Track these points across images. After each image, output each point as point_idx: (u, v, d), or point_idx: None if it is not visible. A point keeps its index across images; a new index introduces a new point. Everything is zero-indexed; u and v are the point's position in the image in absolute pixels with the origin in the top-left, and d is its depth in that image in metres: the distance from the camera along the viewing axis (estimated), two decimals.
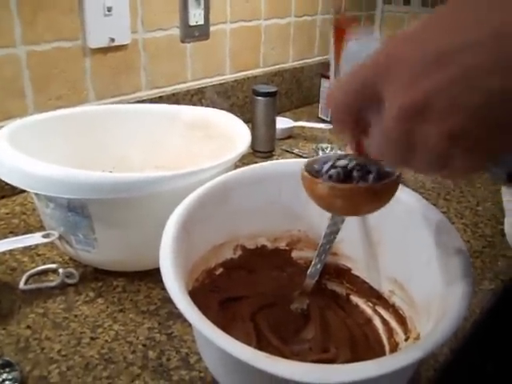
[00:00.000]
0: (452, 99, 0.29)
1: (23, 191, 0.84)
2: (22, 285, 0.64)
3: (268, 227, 0.63)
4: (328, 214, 0.55)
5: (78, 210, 0.59)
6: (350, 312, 0.60)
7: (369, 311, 0.59)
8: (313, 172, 0.46)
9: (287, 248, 0.64)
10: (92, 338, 0.57)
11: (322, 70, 1.38)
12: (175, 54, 1.09)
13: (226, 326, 0.52)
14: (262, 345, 0.53)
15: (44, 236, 0.63)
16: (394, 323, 0.55)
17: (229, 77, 1.24)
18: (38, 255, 0.71)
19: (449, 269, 0.46)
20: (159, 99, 1.06)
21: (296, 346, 0.54)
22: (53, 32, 0.87)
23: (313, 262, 0.58)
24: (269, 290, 0.61)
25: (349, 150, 0.45)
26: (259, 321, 0.56)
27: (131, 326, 0.59)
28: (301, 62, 1.45)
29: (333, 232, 0.56)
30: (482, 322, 0.64)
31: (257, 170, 0.61)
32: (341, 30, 0.59)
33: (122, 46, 0.98)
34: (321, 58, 1.52)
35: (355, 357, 0.53)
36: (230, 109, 1.20)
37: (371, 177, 0.42)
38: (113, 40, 0.94)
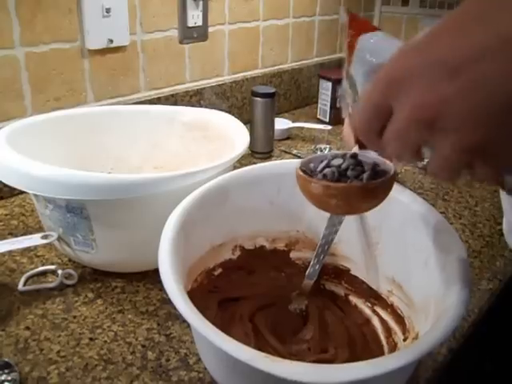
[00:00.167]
0: (466, 109, 0.29)
1: (22, 192, 0.84)
2: (20, 286, 0.64)
3: (266, 228, 0.63)
4: (326, 215, 0.55)
5: (77, 211, 0.59)
6: (349, 312, 0.60)
7: (367, 311, 0.59)
8: (308, 171, 0.46)
9: (286, 248, 0.64)
10: (91, 339, 0.57)
11: (321, 71, 1.38)
12: (174, 55, 1.09)
13: (224, 326, 0.52)
14: (260, 345, 0.53)
15: (43, 237, 0.63)
16: (392, 323, 0.56)
17: (227, 78, 1.24)
18: (37, 256, 0.71)
19: (447, 269, 0.46)
20: (158, 100, 1.06)
21: (294, 347, 0.54)
22: (51, 33, 0.87)
23: (311, 263, 0.58)
24: (267, 291, 0.61)
25: (347, 149, 0.45)
26: (258, 321, 0.56)
27: (130, 326, 0.59)
28: (299, 63, 1.45)
29: (331, 233, 0.56)
30: (480, 321, 0.64)
31: (255, 171, 0.61)
32: (355, 27, 0.59)
33: (121, 47, 0.98)
34: (319, 59, 1.52)
35: (354, 357, 0.53)
36: (229, 110, 1.21)
37: (365, 175, 0.43)
38: (111, 41, 0.95)
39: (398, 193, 0.52)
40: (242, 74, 1.28)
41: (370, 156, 0.45)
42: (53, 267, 0.67)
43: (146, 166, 0.84)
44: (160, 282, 0.42)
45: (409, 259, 0.54)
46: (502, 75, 0.27)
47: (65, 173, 0.56)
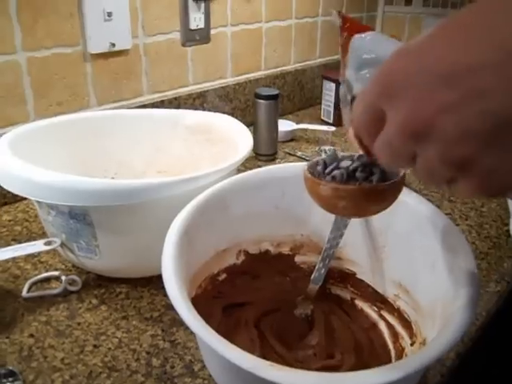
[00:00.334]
0: (456, 123, 0.28)
1: (25, 198, 0.83)
2: (24, 293, 0.64)
3: (271, 232, 0.62)
4: (331, 219, 0.54)
5: (80, 218, 0.59)
6: (355, 317, 0.59)
7: (374, 316, 0.59)
8: (315, 173, 0.45)
9: (290, 253, 0.64)
10: (95, 346, 0.56)
11: (324, 71, 1.37)
12: (176, 58, 1.09)
13: (229, 332, 0.52)
14: (265, 351, 0.52)
15: (46, 243, 0.62)
16: (399, 328, 0.55)
17: (230, 80, 1.24)
18: (41, 262, 0.71)
19: (454, 272, 0.45)
20: (161, 104, 1.06)
21: (300, 352, 0.53)
22: (53, 38, 0.87)
23: (316, 267, 0.58)
24: (272, 296, 0.61)
25: (352, 151, 0.44)
26: (263, 327, 0.56)
27: (134, 333, 0.58)
28: (302, 64, 1.45)
29: (336, 236, 0.56)
30: (488, 325, 0.63)
31: (259, 175, 0.61)
32: (348, 27, 0.58)
33: (123, 50, 0.98)
34: (322, 59, 1.51)
35: (360, 362, 0.52)
36: (232, 112, 1.20)
37: (375, 177, 0.42)
38: (113, 45, 0.94)
39: (403, 195, 0.51)
40: (245, 76, 1.28)
41: None
42: (56, 273, 0.67)
43: (149, 170, 0.84)
44: (164, 287, 0.42)
45: (415, 262, 0.53)
46: (502, 89, 0.26)
47: (67, 179, 0.56)
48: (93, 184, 0.56)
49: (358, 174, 0.42)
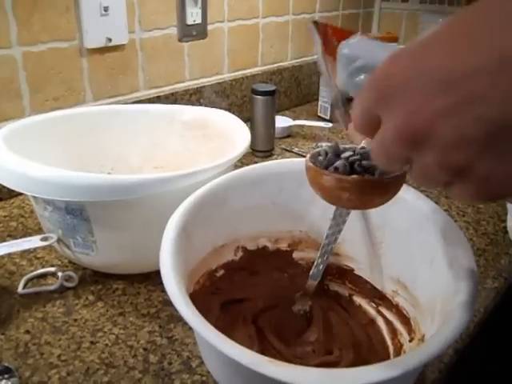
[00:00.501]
0: (452, 129, 0.27)
1: (21, 193, 0.83)
2: (20, 289, 0.63)
3: (269, 228, 0.62)
4: (329, 215, 0.54)
5: (76, 213, 0.58)
6: (353, 313, 0.59)
7: (372, 312, 0.59)
8: (317, 163, 0.45)
9: (288, 249, 0.64)
10: (92, 343, 0.56)
11: None
12: (173, 53, 1.09)
13: (227, 328, 0.52)
14: (264, 348, 0.52)
15: (42, 239, 0.62)
16: (397, 324, 0.55)
17: (227, 76, 1.23)
18: (37, 258, 0.70)
19: (453, 268, 0.45)
20: (157, 99, 1.05)
21: (299, 349, 0.53)
22: (49, 32, 0.86)
23: (315, 263, 0.57)
24: (270, 292, 0.60)
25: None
26: (261, 323, 0.56)
27: (131, 329, 0.58)
28: (299, 60, 1.44)
29: (335, 232, 0.55)
30: (486, 321, 0.63)
31: (257, 170, 0.60)
32: (330, 34, 0.57)
33: (119, 45, 0.97)
34: None
35: (359, 358, 0.52)
36: (229, 108, 1.20)
37: (378, 170, 0.42)
38: (110, 40, 0.94)
39: (401, 191, 0.51)
40: (241, 72, 1.27)
41: None
42: (53, 269, 0.66)
43: (146, 165, 0.83)
44: (161, 283, 0.42)
45: (414, 258, 0.53)
46: (499, 95, 0.26)
47: (63, 174, 0.55)
48: (89, 179, 0.55)
49: (364, 163, 0.42)
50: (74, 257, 0.64)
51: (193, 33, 1.10)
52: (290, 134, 1.21)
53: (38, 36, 0.85)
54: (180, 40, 1.09)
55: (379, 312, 0.58)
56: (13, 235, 0.75)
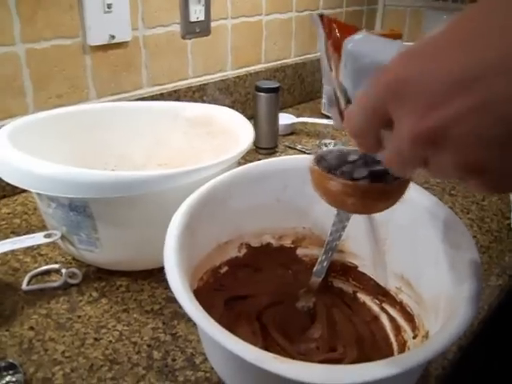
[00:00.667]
0: (470, 129, 0.27)
1: (25, 190, 0.83)
2: (24, 285, 0.64)
3: (273, 224, 0.62)
4: (333, 211, 0.54)
5: (80, 210, 0.59)
6: (357, 310, 0.59)
7: (376, 309, 0.59)
8: (322, 167, 0.44)
9: (292, 245, 0.64)
10: (96, 339, 0.56)
11: None
12: (176, 50, 1.08)
13: (231, 325, 0.52)
14: (268, 344, 0.52)
15: (46, 236, 0.62)
16: (401, 321, 0.55)
17: (230, 73, 1.23)
18: (41, 255, 0.70)
19: (458, 265, 0.45)
20: (160, 96, 1.05)
21: (303, 345, 0.53)
22: (52, 29, 0.86)
23: (319, 260, 0.57)
24: (274, 289, 0.60)
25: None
26: (265, 320, 0.56)
27: (135, 326, 0.58)
28: (303, 57, 1.44)
29: (339, 229, 0.55)
30: (489, 318, 0.63)
31: (261, 167, 0.60)
32: (334, 29, 0.56)
33: (123, 43, 0.97)
34: None
35: (362, 355, 0.52)
36: (232, 105, 1.19)
37: (389, 177, 0.41)
38: (113, 37, 0.94)
39: None
40: (245, 69, 1.27)
41: None
42: (57, 266, 0.67)
43: (149, 162, 0.83)
44: (165, 280, 0.42)
45: (418, 255, 0.53)
46: (504, 97, 0.25)
47: (67, 171, 0.56)
48: (93, 176, 0.55)
49: (374, 168, 0.42)
50: (78, 254, 0.64)
51: (196, 30, 1.10)
52: (293, 131, 1.21)
53: (42, 33, 0.85)
54: (183, 37, 1.09)
55: (383, 309, 0.58)
56: (16, 232, 0.75)
